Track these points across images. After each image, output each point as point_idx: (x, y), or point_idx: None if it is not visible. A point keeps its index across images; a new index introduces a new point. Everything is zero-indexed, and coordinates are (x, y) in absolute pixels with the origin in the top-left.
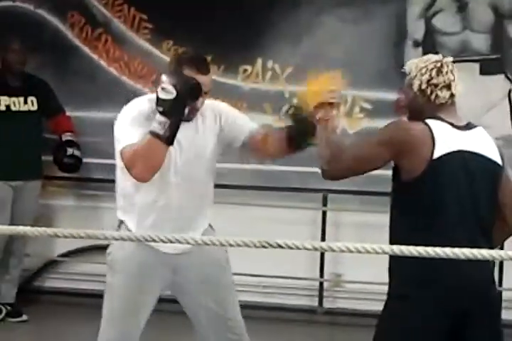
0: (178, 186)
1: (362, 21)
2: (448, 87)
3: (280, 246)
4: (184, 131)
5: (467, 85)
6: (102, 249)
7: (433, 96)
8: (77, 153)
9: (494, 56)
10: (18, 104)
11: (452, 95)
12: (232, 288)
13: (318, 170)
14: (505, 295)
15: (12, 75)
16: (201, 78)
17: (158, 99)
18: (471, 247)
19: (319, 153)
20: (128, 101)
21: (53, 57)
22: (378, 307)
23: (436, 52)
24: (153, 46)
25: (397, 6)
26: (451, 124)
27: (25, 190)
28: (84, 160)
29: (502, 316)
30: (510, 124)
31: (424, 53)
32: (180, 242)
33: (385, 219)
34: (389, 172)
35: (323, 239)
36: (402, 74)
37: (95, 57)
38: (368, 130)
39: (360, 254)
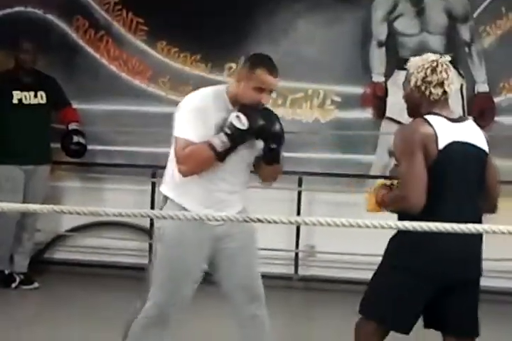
0: (225, 176)
1: (332, 24)
2: (441, 84)
3: (260, 221)
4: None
5: None
6: (104, 224)
7: (427, 93)
8: (82, 140)
9: (448, 55)
10: (29, 97)
11: (445, 92)
12: (257, 257)
13: (294, 155)
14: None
15: (24, 72)
16: (271, 79)
17: (230, 123)
18: (466, 223)
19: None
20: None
21: (61, 56)
22: (347, 274)
23: (397, 52)
24: (148, 46)
25: (363, 11)
26: (447, 118)
27: (36, 173)
28: (89, 146)
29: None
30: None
31: (387, 52)
32: (172, 218)
33: (351, 197)
34: (354, 157)
35: (298, 215)
36: (367, 71)
37: (98, 56)
38: (338, 119)
39: (331, 228)
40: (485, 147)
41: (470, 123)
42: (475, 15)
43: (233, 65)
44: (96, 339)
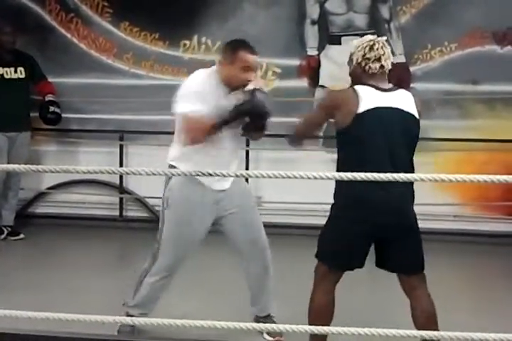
0: (226, 147)
1: (272, 6)
2: (378, 59)
3: (211, 175)
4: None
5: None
6: (80, 182)
7: (367, 68)
8: (57, 110)
9: (371, 31)
10: (10, 73)
11: (382, 66)
12: (257, 212)
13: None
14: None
15: (5, 51)
16: (253, 57)
17: (232, 105)
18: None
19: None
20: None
21: (36, 36)
22: (288, 220)
23: (328, 29)
24: (113, 26)
25: None
26: (376, 87)
27: (18, 139)
28: (63, 115)
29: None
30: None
31: (319, 29)
32: (114, 172)
33: (290, 154)
34: (292, 120)
35: (247, 170)
36: (303, 46)
37: (69, 35)
38: (279, 88)
39: (275, 180)
40: (412, 111)
41: (401, 92)
42: None
43: (187, 42)
44: (74, 281)
